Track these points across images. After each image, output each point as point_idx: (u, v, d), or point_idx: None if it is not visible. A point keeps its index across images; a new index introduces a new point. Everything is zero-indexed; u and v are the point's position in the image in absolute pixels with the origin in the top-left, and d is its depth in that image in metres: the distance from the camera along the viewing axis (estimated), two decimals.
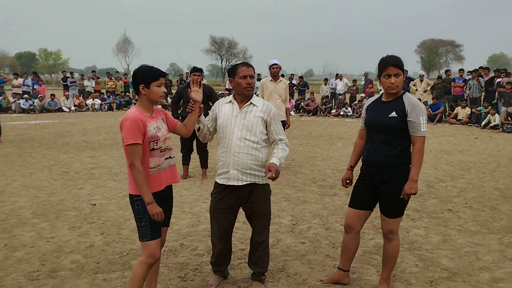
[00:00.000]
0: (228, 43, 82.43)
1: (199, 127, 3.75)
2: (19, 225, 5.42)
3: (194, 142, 7.79)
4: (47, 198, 6.56)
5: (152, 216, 3.11)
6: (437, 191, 7.10)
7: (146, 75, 3.20)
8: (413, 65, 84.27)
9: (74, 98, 22.93)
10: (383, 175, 3.52)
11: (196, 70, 7.42)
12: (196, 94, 3.53)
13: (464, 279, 4.03)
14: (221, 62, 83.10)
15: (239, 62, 3.77)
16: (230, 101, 3.73)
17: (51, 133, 14.10)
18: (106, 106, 23.06)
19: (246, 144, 3.58)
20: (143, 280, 3.26)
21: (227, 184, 3.63)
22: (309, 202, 6.49)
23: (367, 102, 3.83)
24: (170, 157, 3.36)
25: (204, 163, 7.98)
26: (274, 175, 3.43)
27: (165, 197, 3.36)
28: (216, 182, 3.77)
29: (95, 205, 6.24)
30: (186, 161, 7.96)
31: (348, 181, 3.89)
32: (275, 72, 8.19)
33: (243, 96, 3.67)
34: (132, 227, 5.35)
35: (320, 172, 8.48)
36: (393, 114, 3.45)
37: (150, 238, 3.20)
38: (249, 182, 3.62)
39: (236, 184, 3.60)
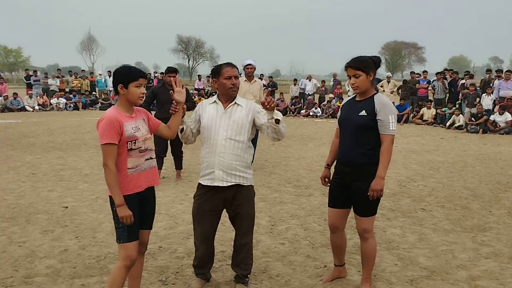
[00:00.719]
0: (195, 43, 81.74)
1: (182, 128, 3.68)
2: None
3: (169, 143, 7.66)
4: (16, 201, 6.33)
5: (120, 219, 3.05)
6: (409, 190, 7.23)
7: (125, 75, 3.16)
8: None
9: (38, 97, 22.30)
10: (354, 174, 3.58)
11: (171, 71, 7.28)
12: (179, 95, 3.48)
13: (442, 277, 4.10)
14: (188, 62, 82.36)
15: (223, 62, 3.72)
16: (215, 102, 3.69)
17: (15, 133, 13.65)
18: (72, 106, 22.51)
19: (231, 144, 3.55)
20: (122, 284, 3.20)
21: (212, 185, 3.58)
22: (286, 202, 6.50)
23: (343, 101, 3.90)
24: (151, 158, 3.30)
25: (179, 164, 7.84)
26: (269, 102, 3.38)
27: (146, 199, 3.30)
28: (199, 183, 3.71)
29: (67, 207, 6.06)
30: (159, 164, 7.67)
31: (326, 179, 3.95)
32: (249, 72, 8.14)
33: (228, 96, 3.64)
34: (108, 230, 5.22)
35: (294, 172, 8.50)
36: (363, 112, 3.51)
37: (127, 240, 3.14)
38: (234, 183, 3.59)
39: (221, 185, 3.56)
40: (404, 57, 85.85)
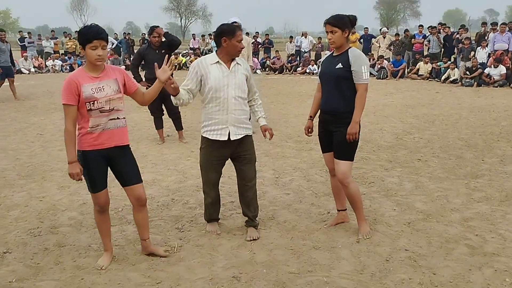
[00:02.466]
0: (186, 0, 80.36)
1: (177, 102, 3.87)
2: (7, 186, 5.48)
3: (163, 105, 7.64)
4: (29, 160, 6.58)
5: (69, 176, 3.31)
6: (406, 142, 7.52)
7: (82, 37, 3.21)
8: (372, 22, 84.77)
9: (33, 59, 22.18)
10: (335, 121, 3.94)
11: (155, 30, 7.29)
12: (163, 73, 3.46)
13: (437, 219, 4.44)
14: (180, 20, 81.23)
15: (235, 24, 3.93)
16: (217, 62, 3.86)
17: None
18: (67, 67, 22.44)
19: (239, 101, 3.87)
20: (100, 223, 3.64)
21: (222, 139, 3.87)
22: (288, 156, 6.78)
23: (322, 58, 4.25)
24: (118, 118, 3.38)
25: (179, 125, 7.87)
26: (271, 136, 4.06)
27: (116, 157, 3.45)
28: (205, 137, 3.95)
29: None
30: (159, 124, 7.76)
31: (309, 130, 4.34)
32: None
33: (232, 57, 3.90)
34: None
35: (294, 128, 8.76)
36: (339, 65, 3.85)
37: (91, 191, 3.49)
38: (243, 135, 3.92)
39: (234, 138, 3.87)
40: (399, 11, 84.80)
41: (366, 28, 22.33)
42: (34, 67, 21.83)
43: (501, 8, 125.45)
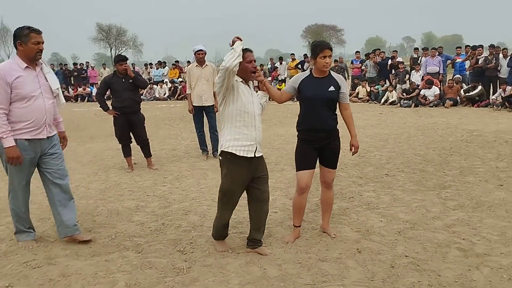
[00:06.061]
0: (116, 31, 79.19)
1: None
2: None
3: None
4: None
5: None
6: (369, 160, 7.90)
7: None
8: (300, 49, 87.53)
9: None
10: (328, 137, 4.31)
11: (121, 60, 7.29)
12: None
13: (424, 227, 4.73)
14: (110, 51, 79.68)
15: (244, 48, 3.98)
16: (241, 81, 3.98)
17: None
18: None
19: (260, 119, 4.05)
20: None
21: (250, 156, 3.92)
22: None
23: (300, 77, 4.36)
24: None
25: (147, 152, 7.81)
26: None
27: None
28: (232, 153, 3.90)
29: None
30: (127, 152, 7.67)
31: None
32: (200, 58, 8.19)
33: (247, 78, 4.03)
34: (105, 213, 5.39)
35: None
36: (332, 88, 4.21)
37: None
38: (262, 154, 4.08)
39: (258, 155, 4.00)
40: (325, 39, 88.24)
41: (305, 54, 23.15)
42: None
43: (417, 35, 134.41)
